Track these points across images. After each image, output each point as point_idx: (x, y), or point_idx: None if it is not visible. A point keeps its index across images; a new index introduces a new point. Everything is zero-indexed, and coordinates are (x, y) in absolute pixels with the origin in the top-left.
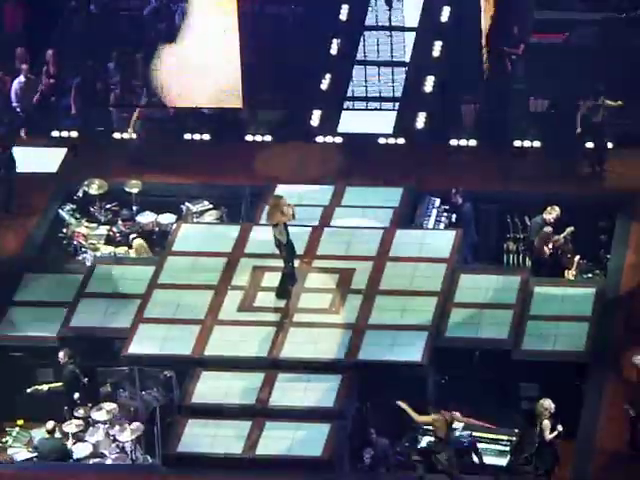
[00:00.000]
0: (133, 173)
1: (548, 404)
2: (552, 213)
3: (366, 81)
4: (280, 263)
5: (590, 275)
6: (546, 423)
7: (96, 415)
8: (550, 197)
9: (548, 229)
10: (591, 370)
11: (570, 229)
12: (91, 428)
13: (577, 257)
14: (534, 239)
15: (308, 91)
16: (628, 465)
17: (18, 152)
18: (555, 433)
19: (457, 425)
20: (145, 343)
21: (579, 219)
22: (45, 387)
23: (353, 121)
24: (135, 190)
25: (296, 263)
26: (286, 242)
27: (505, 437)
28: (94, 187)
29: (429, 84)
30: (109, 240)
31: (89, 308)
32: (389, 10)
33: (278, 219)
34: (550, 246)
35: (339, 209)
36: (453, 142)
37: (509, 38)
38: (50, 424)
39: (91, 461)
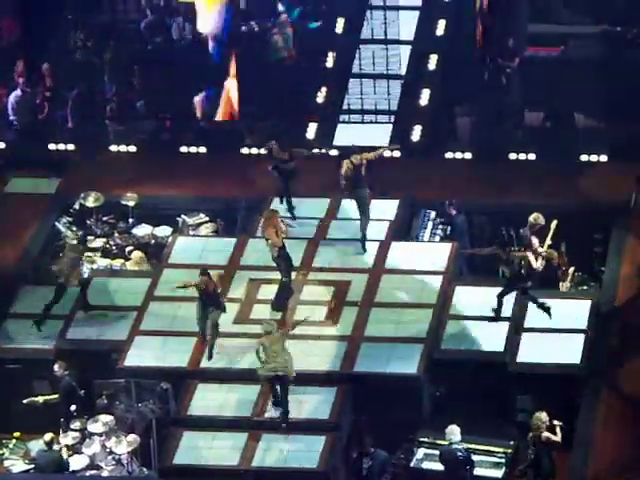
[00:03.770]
0: (129, 186)
1: (545, 417)
2: (537, 220)
3: (362, 94)
4: (276, 275)
5: (585, 287)
6: (545, 435)
7: (92, 427)
8: (545, 209)
9: (530, 238)
10: (587, 382)
11: (554, 223)
12: (87, 440)
13: (572, 269)
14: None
15: (304, 104)
16: (624, 477)
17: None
18: (558, 433)
19: (453, 437)
20: (141, 355)
21: (574, 231)
22: (41, 399)
23: (349, 134)
24: (131, 203)
25: (292, 275)
26: (277, 255)
27: (500, 449)
28: (90, 200)
29: (425, 97)
30: (105, 252)
31: (85, 320)
32: (385, 23)
33: (272, 236)
34: (538, 252)
35: (335, 222)
36: (449, 155)
37: (504, 51)
38: (48, 436)
39: (87, 473)
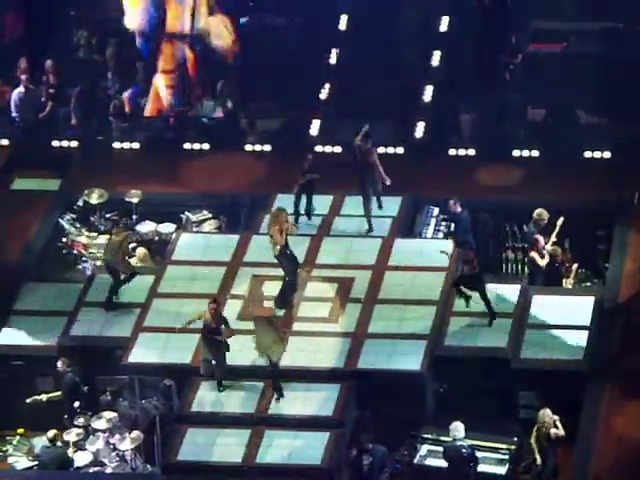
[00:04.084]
0: (133, 183)
1: (550, 413)
2: (542, 216)
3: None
4: (279, 272)
5: (588, 284)
6: (553, 431)
7: (96, 424)
8: (549, 206)
9: (536, 237)
10: (590, 378)
11: (560, 220)
12: (91, 437)
13: (575, 266)
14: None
15: (307, 101)
16: (627, 473)
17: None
18: (560, 427)
19: (457, 434)
20: (145, 352)
21: (577, 228)
22: (44, 397)
23: (352, 131)
24: (135, 199)
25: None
26: (279, 254)
27: (504, 446)
28: (94, 196)
29: (428, 94)
30: None
31: (89, 317)
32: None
33: (275, 235)
34: (543, 252)
35: (338, 218)
36: (452, 151)
37: (507, 47)
38: (52, 433)
39: (91, 470)
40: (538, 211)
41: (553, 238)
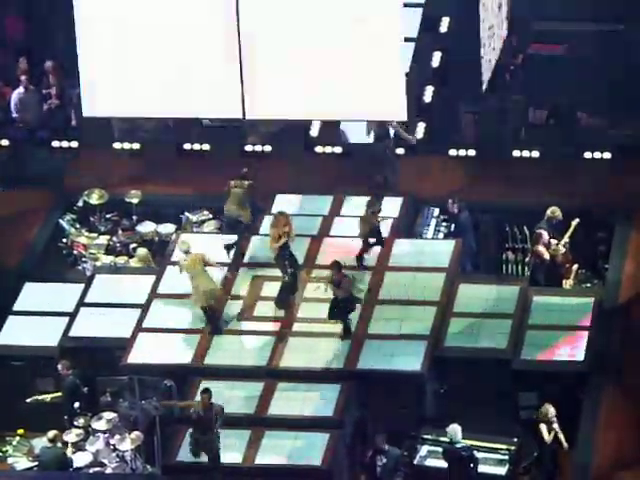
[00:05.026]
0: (133, 183)
1: (545, 410)
2: (555, 214)
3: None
4: (279, 273)
5: (589, 285)
6: (541, 426)
7: (96, 424)
8: (549, 207)
9: (540, 231)
10: (590, 379)
11: (576, 221)
12: (91, 437)
13: (575, 267)
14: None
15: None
16: (627, 474)
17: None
18: (552, 435)
19: (455, 436)
20: (145, 352)
21: (578, 229)
22: (46, 397)
23: (352, 131)
24: (135, 200)
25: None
26: (276, 255)
27: (504, 446)
28: (94, 197)
29: (429, 94)
30: (109, 250)
31: (89, 317)
32: None
33: (273, 236)
34: (546, 248)
35: (338, 219)
36: (452, 152)
37: (508, 48)
38: (52, 433)
39: (91, 470)
40: (552, 209)
41: (566, 238)
